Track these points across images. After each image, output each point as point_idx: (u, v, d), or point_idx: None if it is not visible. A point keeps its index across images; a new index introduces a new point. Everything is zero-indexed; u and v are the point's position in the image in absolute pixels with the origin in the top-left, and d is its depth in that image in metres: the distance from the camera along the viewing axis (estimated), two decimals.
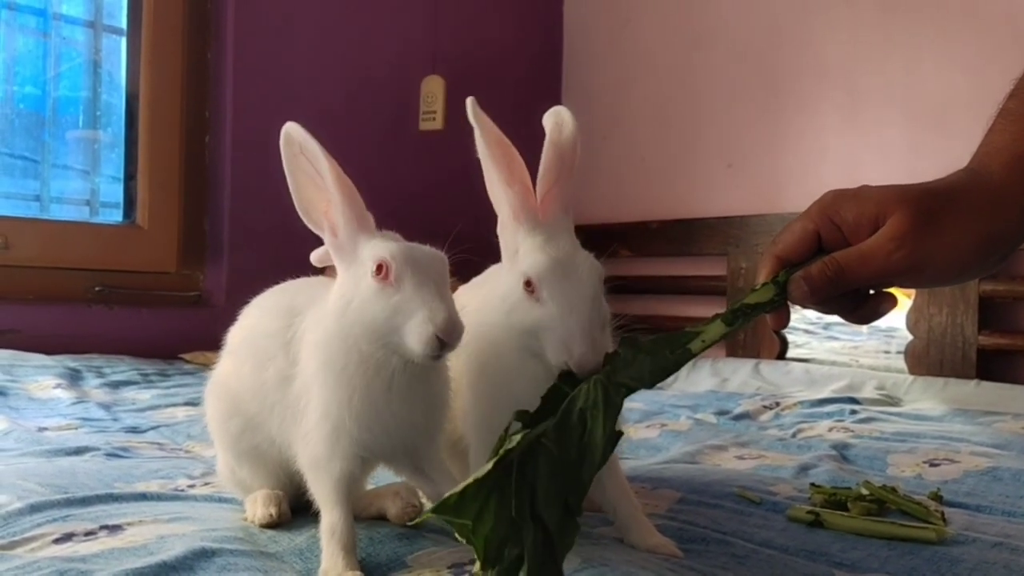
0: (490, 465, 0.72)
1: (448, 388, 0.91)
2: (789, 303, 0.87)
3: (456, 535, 0.72)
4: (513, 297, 0.89)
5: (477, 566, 0.72)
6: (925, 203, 0.83)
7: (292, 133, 0.88)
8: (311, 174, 0.89)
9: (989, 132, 0.88)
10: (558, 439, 0.76)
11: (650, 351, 0.83)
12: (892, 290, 0.90)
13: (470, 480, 0.72)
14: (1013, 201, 0.83)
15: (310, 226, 0.91)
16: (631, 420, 1.89)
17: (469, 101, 0.91)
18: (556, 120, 0.93)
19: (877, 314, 0.89)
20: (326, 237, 0.90)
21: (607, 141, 3.57)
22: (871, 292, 0.89)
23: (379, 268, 0.83)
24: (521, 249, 0.90)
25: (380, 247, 0.85)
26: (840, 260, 0.84)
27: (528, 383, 0.86)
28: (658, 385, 2.65)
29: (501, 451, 0.73)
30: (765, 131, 3.06)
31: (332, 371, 0.86)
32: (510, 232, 0.92)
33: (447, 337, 0.81)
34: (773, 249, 0.89)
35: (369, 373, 0.85)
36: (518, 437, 0.74)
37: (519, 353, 0.88)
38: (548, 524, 0.73)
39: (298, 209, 0.91)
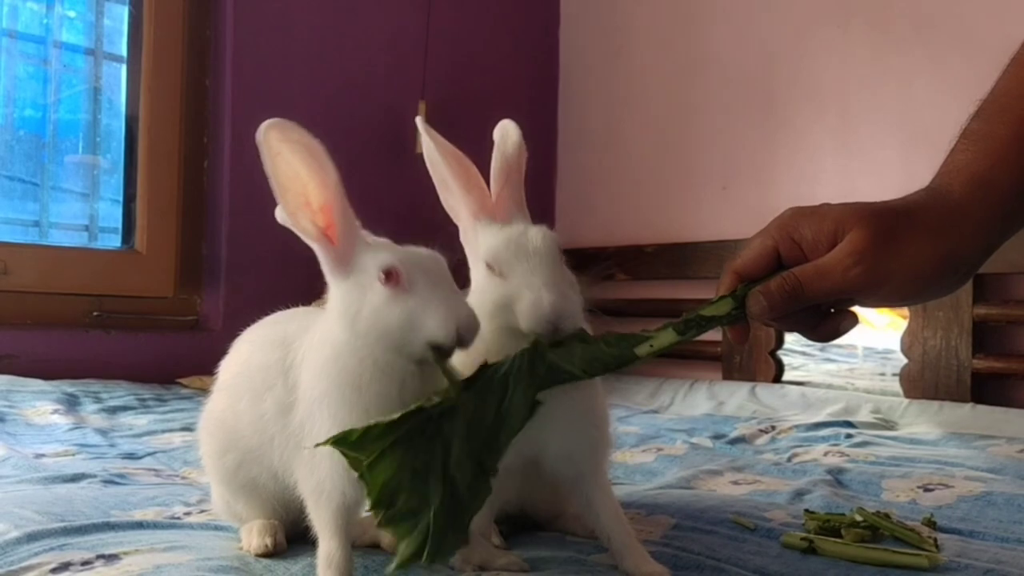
0: (398, 414, 0.74)
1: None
2: (748, 318, 0.88)
3: (349, 466, 0.74)
4: (482, 282, 0.92)
5: (368, 504, 0.74)
6: (883, 220, 0.84)
7: (278, 130, 0.84)
8: (297, 175, 0.85)
9: (951, 152, 0.89)
10: (477, 402, 0.77)
11: (589, 341, 0.84)
12: (854, 309, 0.90)
13: (380, 422, 0.74)
14: (972, 220, 0.84)
15: (298, 232, 0.88)
16: (627, 444, 1.90)
17: (418, 120, 0.98)
18: (501, 133, 1.00)
19: (838, 332, 0.90)
20: (319, 246, 0.88)
21: (602, 165, 3.60)
22: (832, 311, 0.90)
23: (388, 275, 0.83)
24: (480, 242, 0.94)
25: (384, 255, 0.85)
26: (798, 275, 0.85)
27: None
28: (653, 408, 2.62)
29: (416, 405, 0.75)
30: (759, 154, 3.09)
31: (348, 384, 0.85)
32: (472, 234, 0.97)
33: (467, 332, 0.81)
34: (732, 264, 0.90)
35: (384, 382, 0.85)
36: (436, 397, 0.76)
37: (497, 332, 0.89)
38: (458, 484, 0.74)
39: (285, 213, 0.87)
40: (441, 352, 0.82)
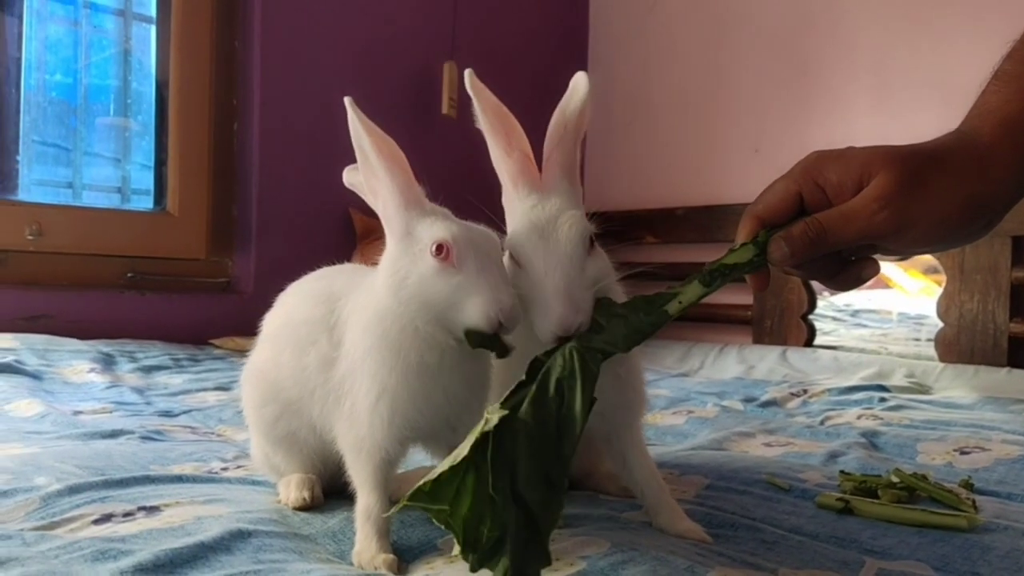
0: (466, 449, 0.71)
1: (490, 366, 0.91)
2: (769, 265, 0.85)
3: (434, 521, 0.72)
4: (508, 265, 0.89)
5: (456, 549, 0.71)
6: (911, 164, 0.81)
7: (347, 106, 0.87)
8: (360, 144, 0.89)
9: (982, 94, 0.86)
10: (536, 413, 0.74)
11: (624, 315, 0.82)
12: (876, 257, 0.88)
13: (444, 466, 0.71)
14: (1001, 163, 0.81)
15: (365, 198, 0.92)
16: (658, 407, 1.89)
17: (467, 72, 0.92)
18: (572, 86, 0.93)
19: (859, 280, 0.88)
20: (378, 209, 0.90)
21: (632, 126, 3.56)
22: (853, 258, 0.87)
23: (439, 248, 0.83)
24: (515, 216, 0.91)
25: (439, 227, 0.84)
26: (822, 220, 0.82)
27: (523, 350, 0.84)
28: (683, 371, 2.61)
29: (478, 432, 0.72)
30: (793, 115, 3.03)
31: (388, 347, 0.86)
32: (510, 200, 0.93)
33: (509, 321, 0.81)
34: (754, 209, 0.87)
35: (423, 350, 0.85)
36: (495, 417, 0.73)
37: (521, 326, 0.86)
38: (530, 503, 0.72)
39: (363, 178, 0.92)
40: (481, 339, 0.82)
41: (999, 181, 0.82)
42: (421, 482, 0.71)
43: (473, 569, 0.72)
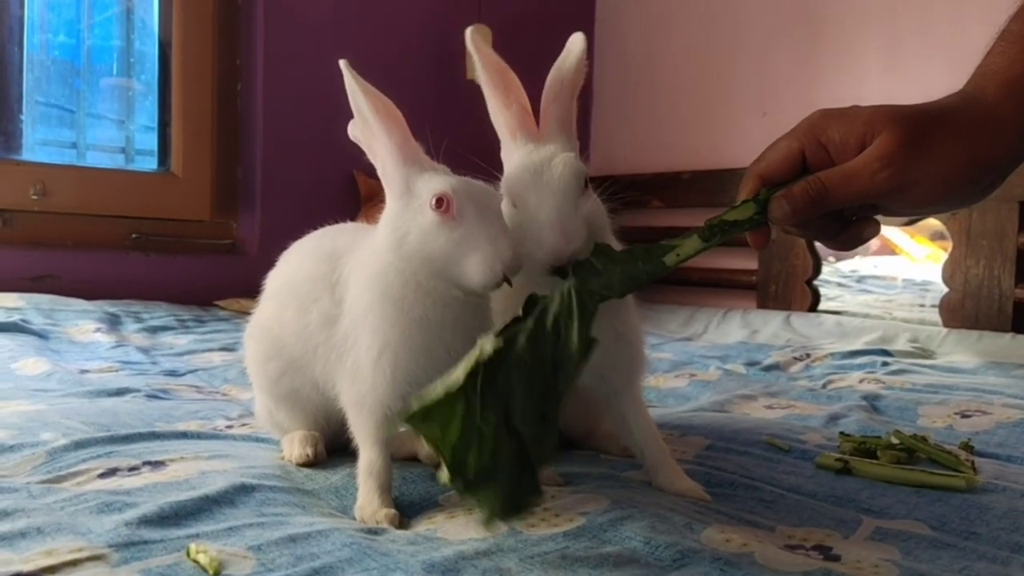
0: (460, 373, 0.72)
1: (491, 323, 0.91)
2: (770, 223, 0.85)
3: (424, 440, 0.73)
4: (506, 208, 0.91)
5: (444, 474, 0.72)
6: (914, 124, 0.80)
7: (342, 68, 0.88)
8: (358, 106, 0.90)
9: (988, 54, 0.85)
10: (532, 349, 0.75)
11: (622, 261, 0.83)
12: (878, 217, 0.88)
13: (438, 389, 0.72)
14: (1005, 125, 0.81)
15: (370, 157, 0.93)
16: (660, 370, 1.90)
17: (468, 31, 0.94)
18: (568, 46, 0.95)
19: (860, 240, 0.88)
20: (377, 167, 0.91)
21: (639, 89, 3.52)
22: (854, 218, 0.87)
23: (439, 202, 0.83)
24: (511, 163, 0.92)
25: (438, 181, 0.85)
26: (824, 179, 0.82)
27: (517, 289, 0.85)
28: (686, 336, 2.61)
29: (472, 360, 0.73)
30: (801, 78, 3.00)
31: (391, 302, 0.87)
32: (508, 152, 0.94)
33: (511, 272, 0.82)
34: (756, 167, 0.87)
35: (427, 304, 0.86)
36: (489, 346, 0.73)
37: None
38: (525, 437, 0.73)
39: (362, 138, 0.92)
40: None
41: (1002, 142, 0.81)
42: (415, 404, 0.72)
43: (459, 492, 0.72)
